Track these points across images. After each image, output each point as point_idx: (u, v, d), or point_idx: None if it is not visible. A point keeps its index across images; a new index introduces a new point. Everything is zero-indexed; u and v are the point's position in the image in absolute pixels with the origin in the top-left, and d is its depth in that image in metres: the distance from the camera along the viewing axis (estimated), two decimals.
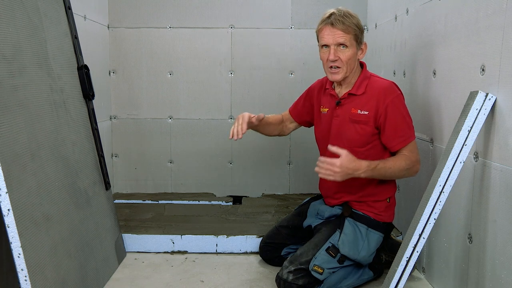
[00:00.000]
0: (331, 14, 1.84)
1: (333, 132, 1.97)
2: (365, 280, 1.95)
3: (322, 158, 1.74)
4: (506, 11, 1.38)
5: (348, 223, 1.90)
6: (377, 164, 1.77)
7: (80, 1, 2.51)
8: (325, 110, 2.02)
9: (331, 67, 1.87)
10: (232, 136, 1.92)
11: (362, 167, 1.74)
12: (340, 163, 1.70)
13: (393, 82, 1.91)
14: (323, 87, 2.07)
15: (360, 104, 1.89)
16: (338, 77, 1.88)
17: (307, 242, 1.93)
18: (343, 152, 1.72)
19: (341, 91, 1.97)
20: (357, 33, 1.84)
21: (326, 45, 1.86)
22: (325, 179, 2.01)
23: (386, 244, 2.04)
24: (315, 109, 2.10)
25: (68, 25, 2.02)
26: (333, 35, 1.82)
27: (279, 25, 3.06)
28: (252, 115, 1.97)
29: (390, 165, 1.79)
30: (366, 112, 1.87)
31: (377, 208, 1.93)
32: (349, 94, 1.92)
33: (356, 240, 1.87)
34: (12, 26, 1.53)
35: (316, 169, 1.75)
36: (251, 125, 2.01)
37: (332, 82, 2.00)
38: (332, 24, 1.82)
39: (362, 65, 1.98)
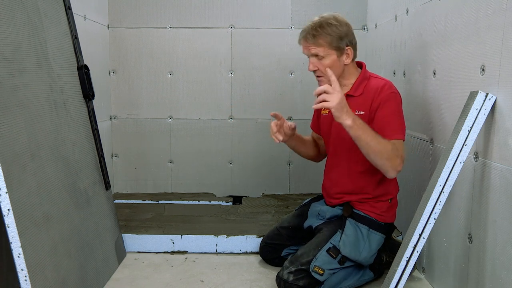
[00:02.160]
0: (305, 29, 1.88)
1: (333, 134, 1.99)
2: (366, 281, 1.95)
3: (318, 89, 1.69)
4: (506, 11, 1.38)
5: (349, 224, 1.90)
6: (365, 123, 1.74)
7: (80, 1, 2.51)
8: (326, 111, 2.03)
9: (316, 76, 1.91)
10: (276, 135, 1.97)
11: (352, 113, 1.70)
12: (334, 86, 1.67)
13: (390, 82, 1.91)
14: None
15: (358, 104, 1.89)
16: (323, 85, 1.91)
17: (308, 243, 1.93)
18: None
19: None
20: (332, 41, 1.83)
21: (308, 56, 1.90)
22: (331, 175, 2.02)
23: (388, 245, 2.04)
24: (319, 113, 2.12)
25: (68, 25, 2.02)
26: (307, 48, 1.87)
27: (279, 25, 3.06)
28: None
29: (378, 138, 1.73)
30: (362, 112, 1.87)
31: (379, 208, 1.93)
32: (347, 96, 1.92)
33: (357, 241, 1.87)
34: (12, 26, 1.53)
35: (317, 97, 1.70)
36: (288, 131, 2.00)
37: None
38: (305, 38, 1.87)
39: (362, 65, 1.98)
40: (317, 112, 2.14)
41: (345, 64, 1.90)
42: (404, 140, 1.84)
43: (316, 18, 1.88)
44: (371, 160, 1.77)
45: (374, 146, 1.72)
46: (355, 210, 1.94)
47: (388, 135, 1.79)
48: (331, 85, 1.68)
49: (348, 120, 1.68)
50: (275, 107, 3.07)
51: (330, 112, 1.99)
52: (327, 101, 1.66)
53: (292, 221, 2.17)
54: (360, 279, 1.93)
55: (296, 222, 2.15)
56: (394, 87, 1.89)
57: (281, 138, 1.97)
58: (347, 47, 1.87)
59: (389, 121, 1.81)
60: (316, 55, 1.86)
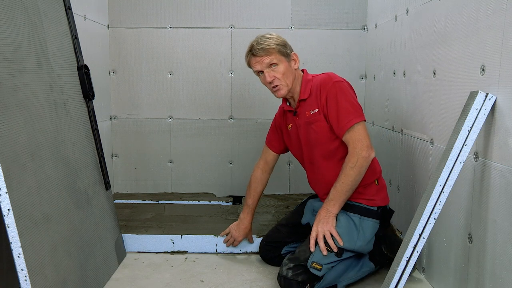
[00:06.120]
0: (251, 47, 1.97)
1: (302, 141, 2.03)
2: (367, 272, 1.96)
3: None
4: (506, 11, 1.38)
5: (340, 215, 1.91)
6: (331, 194, 1.87)
7: (80, 1, 2.51)
8: (290, 126, 2.10)
9: (273, 87, 1.96)
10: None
11: (327, 206, 1.87)
12: (316, 228, 1.87)
13: (330, 73, 1.97)
14: (282, 110, 2.15)
15: (310, 105, 1.97)
16: (282, 92, 1.98)
17: (305, 240, 1.95)
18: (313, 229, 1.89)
19: (294, 103, 2.04)
20: (280, 49, 1.94)
21: (261, 71, 1.97)
22: (315, 180, 2.05)
23: (387, 237, 2.03)
24: (284, 133, 2.16)
25: (68, 25, 2.02)
26: (260, 62, 1.96)
27: (279, 25, 3.06)
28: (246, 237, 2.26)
29: (341, 183, 1.84)
30: (316, 110, 1.94)
31: (368, 193, 1.95)
32: (300, 101, 2.00)
33: (350, 231, 1.88)
34: (12, 26, 1.53)
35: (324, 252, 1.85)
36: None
37: (286, 101, 2.09)
38: (254, 55, 1.96)
39: (303, 71, 2.05)
40: (278, 133, 2.19)
41: (295, 69, 1.99)
42: (364, 120, 1.89)
43: (253, 41, 1.98)
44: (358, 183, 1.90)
45: (351, 186, 1.85)
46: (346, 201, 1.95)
47: (345, 125, 1.86)
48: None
49: (334, 210, 1.87)
50: (275, 107, 3.06)
51: (293, 125, 2.07)
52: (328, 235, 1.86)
53: (291, 219, 2.20)
54: (361, 271, 1.93)
55: (294, 219, 2.18)
56: (336, 76, 1.95)
57: (236, 244, 2.25)
58: (292, 53, 1.98)
59: (341, 111, 1.87)
60: (270, 65, 1.94)
